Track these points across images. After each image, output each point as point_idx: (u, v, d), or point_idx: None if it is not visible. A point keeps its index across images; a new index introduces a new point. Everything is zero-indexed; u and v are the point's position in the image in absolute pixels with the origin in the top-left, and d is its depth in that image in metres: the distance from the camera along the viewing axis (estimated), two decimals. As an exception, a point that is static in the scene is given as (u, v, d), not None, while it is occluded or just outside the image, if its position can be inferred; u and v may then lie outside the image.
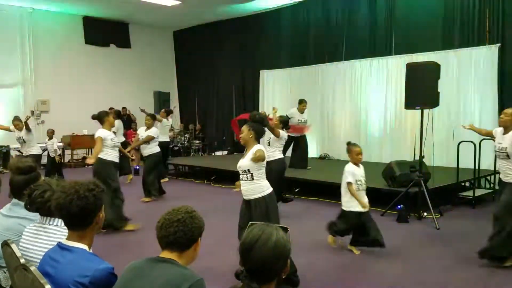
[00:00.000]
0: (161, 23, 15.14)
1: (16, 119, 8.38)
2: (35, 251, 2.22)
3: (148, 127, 7.98)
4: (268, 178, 4.08)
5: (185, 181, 10.49)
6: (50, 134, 9.62)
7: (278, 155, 6.38)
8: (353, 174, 4.78)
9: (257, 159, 3.87)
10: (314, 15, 12.10)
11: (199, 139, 14.77)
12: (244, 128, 4.08)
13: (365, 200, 4.84)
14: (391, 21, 10.44)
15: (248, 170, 3.94)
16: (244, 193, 4.06)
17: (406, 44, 10.11)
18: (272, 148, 6.33)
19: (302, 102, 9.41)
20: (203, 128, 15.48)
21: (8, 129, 8.58)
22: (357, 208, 4.75)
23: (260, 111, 4.02)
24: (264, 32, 13.44)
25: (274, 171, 5.82)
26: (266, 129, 5.51)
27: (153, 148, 7.88)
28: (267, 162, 4.21)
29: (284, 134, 6.47)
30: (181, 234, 1.81)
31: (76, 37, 13.98)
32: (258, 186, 3.94)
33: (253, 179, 3.94)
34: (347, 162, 4.95)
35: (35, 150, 8.31)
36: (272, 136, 6.29)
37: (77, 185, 1.95)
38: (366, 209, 4.78)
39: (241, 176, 4.04)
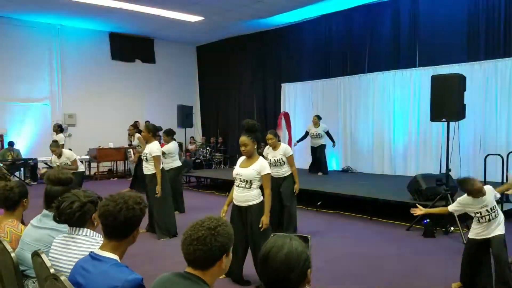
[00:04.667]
0: (184, 38, 15.40)
1: (54, 145, 7.38)
2: (64, 261, 2.26)
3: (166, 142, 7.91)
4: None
5: (207, 193, 10.53)
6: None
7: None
8: None
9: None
10: (337, 27, 12.04)
11: (220, 152, 14.85)
12: (248, 141, 4.21)
13: None
14: (414, 33, 10.32)
15: (250, 181, 4.10)
16: (236, 199, 4.20)
17: (430, 56, 9.96)
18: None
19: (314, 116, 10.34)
20: (225, 141, 15.57)
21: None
22: None
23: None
24: (286, 45, 13.48)
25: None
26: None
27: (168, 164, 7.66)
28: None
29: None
30: (200, 254, 1.70)
31: (103, 52, 14.34)
32: (251, 195, 4.11)
33: (250, 188, 4.11)
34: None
35: (80, 168, 7.75)
36: (281, 156, 5.95)
37: (126, 196, 2.03)
38: None
39: (238, 183, 4.19)
